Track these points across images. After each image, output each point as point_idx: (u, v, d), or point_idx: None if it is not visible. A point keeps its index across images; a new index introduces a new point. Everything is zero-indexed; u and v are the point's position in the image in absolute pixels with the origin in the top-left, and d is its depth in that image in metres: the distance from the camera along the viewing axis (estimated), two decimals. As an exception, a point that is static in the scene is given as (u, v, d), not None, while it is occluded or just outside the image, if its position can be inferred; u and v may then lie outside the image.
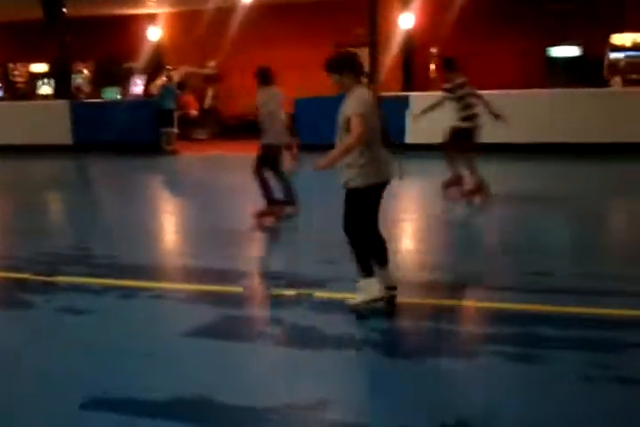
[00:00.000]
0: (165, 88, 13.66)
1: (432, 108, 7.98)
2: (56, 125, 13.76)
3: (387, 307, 4.19)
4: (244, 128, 15.53)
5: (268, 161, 6.98)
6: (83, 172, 12.84)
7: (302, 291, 4.65)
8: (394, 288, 4.22)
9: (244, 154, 13.36)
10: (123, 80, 17.02)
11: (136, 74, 17.06)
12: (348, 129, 3.92)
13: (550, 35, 14.95)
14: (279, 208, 7.08)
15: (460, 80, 7.73)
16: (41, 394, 3.25)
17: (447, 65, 7.98)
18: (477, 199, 7.86)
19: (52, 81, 16.94)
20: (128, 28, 17.09)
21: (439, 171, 8.45)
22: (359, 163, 3.97)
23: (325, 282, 4.86)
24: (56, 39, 16.22)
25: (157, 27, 17.01)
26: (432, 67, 15.39)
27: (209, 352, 3.71)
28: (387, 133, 4.16)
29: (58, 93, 17.23)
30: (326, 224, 5.76)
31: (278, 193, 7.10)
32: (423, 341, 3.94)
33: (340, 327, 3.98)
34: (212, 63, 15.90)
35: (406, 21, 14.85)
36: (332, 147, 4.06)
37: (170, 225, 7.68)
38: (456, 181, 8.08)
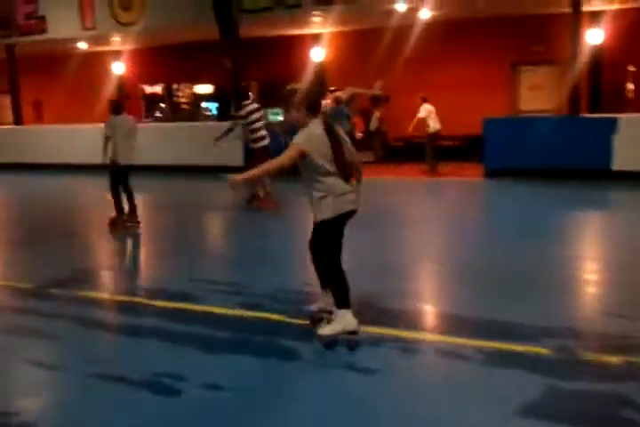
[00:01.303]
0: (336, 110, 13.20)
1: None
2: (230, 147, 13.63)
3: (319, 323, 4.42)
4: (411, 151, 14.90)
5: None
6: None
7: (631, 358, 3.80)
8: (330, 312, 4.37)
9: (412, 178, 12.87)
10: (286, 102, 16.80)
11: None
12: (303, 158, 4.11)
13: None
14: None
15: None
16: None
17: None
18: None
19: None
20: (292, 48, 16.96)
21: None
22: (320, 197, 4.17)
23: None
24: (222, 60, 16.44)
25: (322, 47, 16.74)
26: (630, 86, 14.13)
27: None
28: (347, 164, 4.19)
29: (222, 114, 17.35)
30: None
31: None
32: None
33: None
34: (378, 83, 15.37)
35: (595, 37, 13.72)
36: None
37: (395, 258, 6.97)
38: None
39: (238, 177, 4.19)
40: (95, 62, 19.04)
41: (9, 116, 22.07)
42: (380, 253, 6.91)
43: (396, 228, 8.22)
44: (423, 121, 13.63)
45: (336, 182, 4.17)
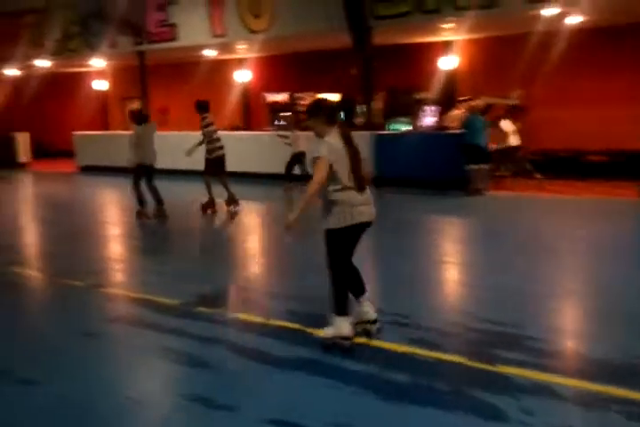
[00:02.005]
0: (471, 120, 12.44)
1: None
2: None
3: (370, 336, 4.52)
4: (551, 165, 13.88)
5: None
6: (389, 210, 11.92)
7: None
8: (374, 322, 4.56)
9: (561, 196, 11.85)
10: (413, 111, 16.18)
11: (428, 105, 16.13)
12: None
13: None
14: None
15: None
16: None
17: None
18: None
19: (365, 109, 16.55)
20: (420, 56, 16.29)
21: None
22: (330, 208, 4.25)
23: None
24: (348, 68, 16.02)
25: (452, 54, 15.98)
26: None
27: None
28: (362, 177, 4.27)
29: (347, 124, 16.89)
30: None
31: None
32: None
33: None
34: (515, 93, 14.47)
35: None
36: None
37: (544, 288, 6.20)
38: None
39: (292, 218, 4.20)
40: (219, 70, 19.09)
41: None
42: (524, 280, 6.15)
43: (546, 253, 7.36)
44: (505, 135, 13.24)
45: (351, 193, 4.24)
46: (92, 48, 17.43)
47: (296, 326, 4.94)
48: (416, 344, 4.50)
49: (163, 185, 10.54)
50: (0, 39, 19.70)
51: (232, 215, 10.47)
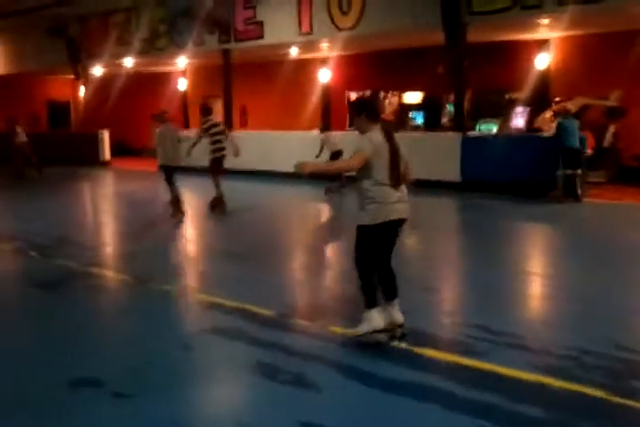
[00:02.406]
0: (563, 123, 11.69)
1: None
2: (444, 160, 12.66)
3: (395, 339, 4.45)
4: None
5: None
6: (478, 216, 11.35)
7: None
8: (400, 326, 4.46)
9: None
10: (503, 112, 15.50)
11: (519, 105, 15.42)
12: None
13: None
14: None
15: None
16: None
17: None
18: None
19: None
20: (512, 54, 15.58)
21: None
22: (365, 203, 4.32)
23: None
24: (435, 67, 15.51)
25: (546, 53, 15.21)
26: None
27: None
28: (400, 174, 4.32)
29: (429, 124, 16.41)
30: None
31: None
32: None
33: None
34: (615, 94, 13.64)
35: None
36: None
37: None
38: None
39: (307, 167, 4.31)
40: (300, 69, 18.82)
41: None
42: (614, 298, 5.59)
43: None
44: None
45: (386, 190, 4.29)
46: (178, 46, 17.50)
47: (402, 345, 4.55)
48: (542, 372, 4.04)
49: (251, 187, 10.33)
50: (89, 39, 20.12)
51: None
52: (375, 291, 4.46)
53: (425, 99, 16.72)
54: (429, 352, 4.39)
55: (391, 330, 4.50)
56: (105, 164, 20.73)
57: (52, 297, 6.05)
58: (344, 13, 14.03)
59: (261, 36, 15.69)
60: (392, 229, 4.39)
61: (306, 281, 6.67)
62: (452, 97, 16.22)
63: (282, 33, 15.32)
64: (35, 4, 18.70)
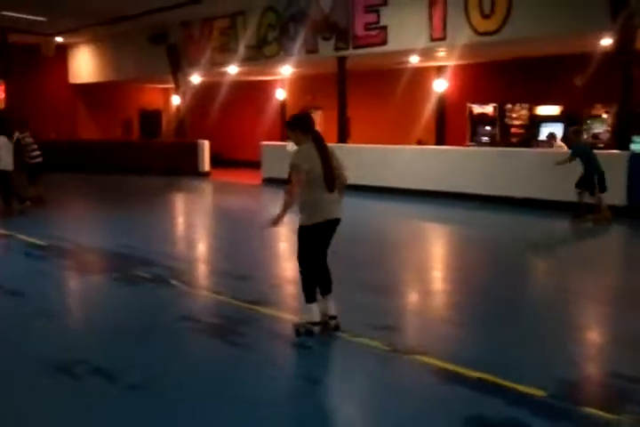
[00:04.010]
0: None
1: None
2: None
3: (329, 331, 5.02)
4: None
5: None
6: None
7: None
8: (333, 317, 5.06)
9: None
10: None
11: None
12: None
13: None
14: None
15: None
16: None
17: None
18: None
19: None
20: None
21: None
22: (303, 207, 4.94)
23: None
24: (571, 77, 14.01)
25: None
26: None
27: None
28: (333, 180, 4.93)
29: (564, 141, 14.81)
30: None
31: None
32: None
33: None
34: None
35: None
36: None
37: None
38: None
39: (274, 222, 4.89)
40: (412, 78, 17.45)
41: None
42: None
43: None
44: None
45: (320, 195, 4.90)
46: (289, 54, 16.43)
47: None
48: None
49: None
50: (191, 46, 19.35)
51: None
52: (315, 288, 5.03)
53: (563, 113, 15.13)
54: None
55: (325, 322, 5.05)
56: (204, 175, 19.83)
57: (240, 353, 4.86)
58: (486, 17, 12.64)
59: (384, 43, 14.42)
60: (327, 228, 5.00)
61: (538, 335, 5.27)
62: (594, 110, 14.68)
63: (409, 39, 14.00)
64: (137, 11, 17.98)
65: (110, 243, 9.22)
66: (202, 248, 9.60)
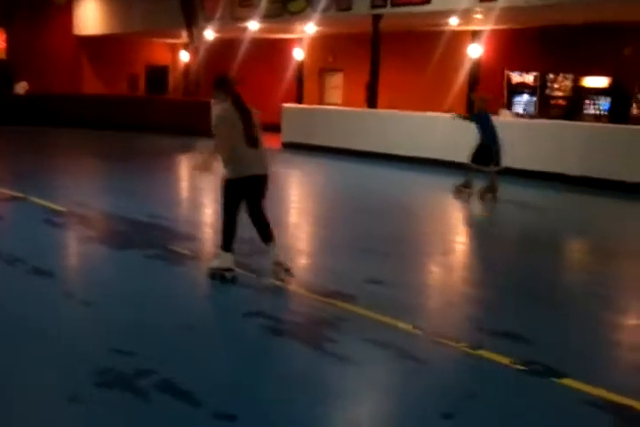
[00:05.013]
0: None
1: None
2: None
3: (283, 275, 5.33)
4: None
5: None
6: None
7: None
8: (279, 263, 5.33)
9: None
10: None
11: None
12: None
13: None
14: None
15: None
16: None
17: None
18: None
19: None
20: None
21: None
22: (227, 162, 5.21)
23: None
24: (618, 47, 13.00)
25: None
26: None
27: None
28: (255, 136, 5.23)
29: (615, 114, 13.94)
30: None
31: None
32: None
33: None
34: None
35: None
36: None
37: None
38: None
39: (197, 168, 5.52)
40: (443, 43, 16.30)
41: (336, 96, 20.53)
42: None
43: None
44: None
45: (243, 151, 5.17)
46: (317, 10, 15.23)
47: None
48: None
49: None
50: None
51: None
52: (232, 238, 5.28)
53: (611, 85, 14.14)
54: None
55: (272, 267, 5.37)
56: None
57: (335, 361, 4.00)
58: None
59: (428, 1, 13.30)
60: (254, 183, 5.28)
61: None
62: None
63: (454, -1, 12.88)
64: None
65: (135, 211, 8.25)
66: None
